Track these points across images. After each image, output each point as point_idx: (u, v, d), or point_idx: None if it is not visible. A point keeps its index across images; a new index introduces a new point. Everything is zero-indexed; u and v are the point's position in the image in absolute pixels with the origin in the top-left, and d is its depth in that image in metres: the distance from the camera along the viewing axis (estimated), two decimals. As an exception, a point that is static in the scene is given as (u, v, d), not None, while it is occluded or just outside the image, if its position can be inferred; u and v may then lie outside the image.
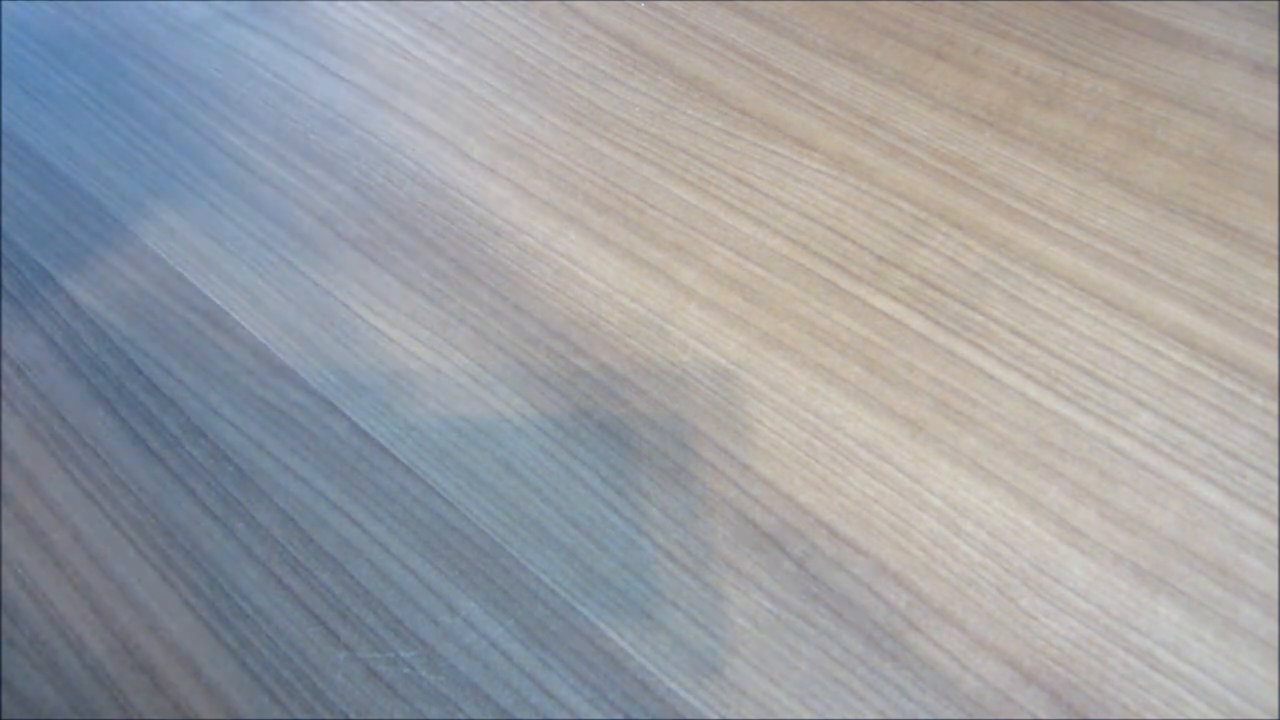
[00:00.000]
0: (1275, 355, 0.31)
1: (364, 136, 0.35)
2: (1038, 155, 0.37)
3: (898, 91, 0.39)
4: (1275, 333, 0.32)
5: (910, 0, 0.43)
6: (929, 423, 0.29)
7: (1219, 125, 0.39)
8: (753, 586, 0.26)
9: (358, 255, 0.32)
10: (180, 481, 0.27)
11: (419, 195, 0.33)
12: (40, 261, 0.31)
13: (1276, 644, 0.25)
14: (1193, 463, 0.29)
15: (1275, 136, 0.39)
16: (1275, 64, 0.42)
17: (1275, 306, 0.32)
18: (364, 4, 0.40)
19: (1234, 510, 0.28)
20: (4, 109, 0.35)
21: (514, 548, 0.26)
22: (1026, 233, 0.33)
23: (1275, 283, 0.33)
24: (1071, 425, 0.29)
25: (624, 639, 0.24)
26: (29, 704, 0.23)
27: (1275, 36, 0.43)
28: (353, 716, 0.23)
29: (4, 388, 0.28)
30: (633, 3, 0.41)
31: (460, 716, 0.23)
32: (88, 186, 0.33)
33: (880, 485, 0.28)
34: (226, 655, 0.24)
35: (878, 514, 0.27)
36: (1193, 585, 0.26)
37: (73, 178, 0.33)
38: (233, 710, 0.23)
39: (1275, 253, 0.34)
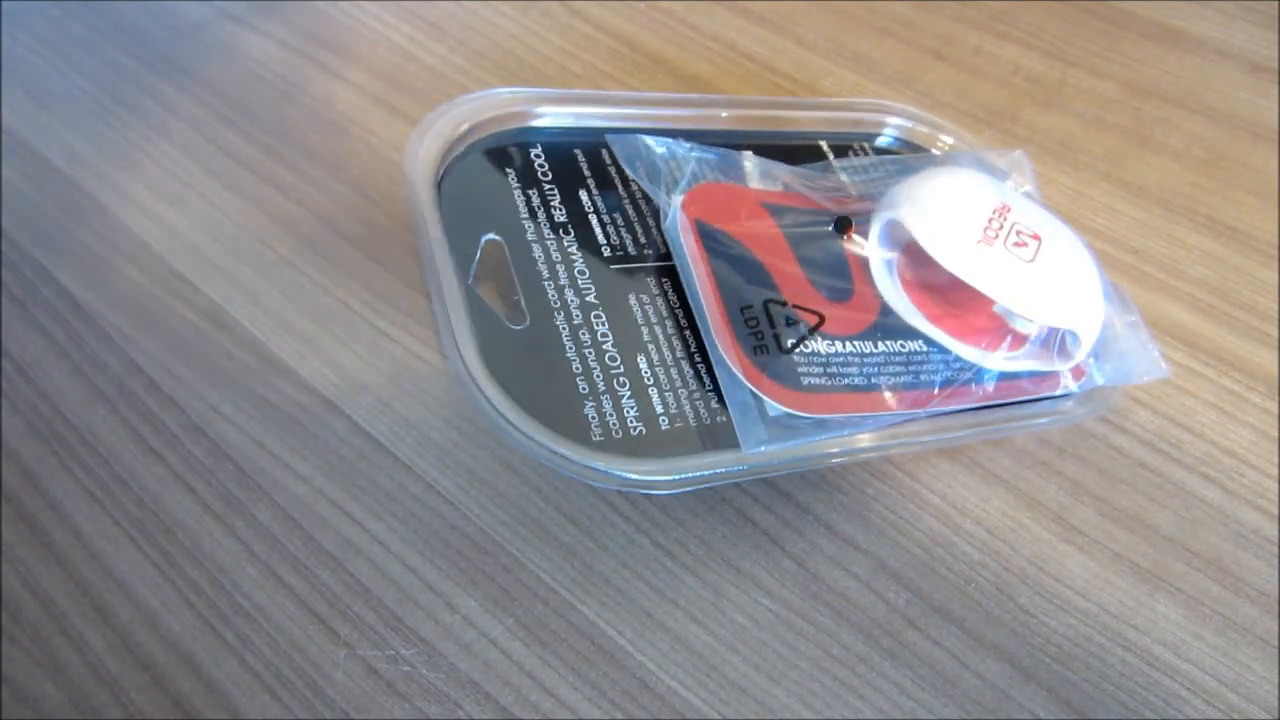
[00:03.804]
0: (1274, 354, 0.31)
1: (364, 136, 0.35)
2: (1036, 155, 0.37)
3: (898, 91, 0.39)
4: (1274, 332, 0.32)
5: (910, 0, 0.43)
6: (928, 421, 0.29)
7: (1217, 125, 0.39)
8: (752, 585, 0.26)
9: (358, 255, 0.32)
10: (181, 480, 0.27)
11: (419, 195, 0.33)
12: (41, 260, 0.31)
13: (1275, 642, 0.25)
14: (1191, 461, 0.29)
15: (1274, 136, 0.39)
16: (1274, 64, 0.42)
17: (1274, 306, 0.33)
18: (364, 4, 0.40)
19: (1232, 508, 0.28)
20: (4, 109, 0.35)
21: (514, 546, 0.26)
22: (1025, 232, 0.33)
23: (1274, 282, 0.33)
24: (1070, 424, 0.29)
25: (623, 637, 0.24)
26: (30, 701, 0.23)
27: (1274, 37, 0.43)
28: (353, 714, 0.23)
29: (5, 387, 0.28)
30: (633, 3, 0.41)
31: (460, 714, 0.23)
32: (89, 186, 0.33)
33: (879, 484, 0.28)
34: (227, 653, 0.24)
35: (877, 512, 0.27)
36: (1191, 584, 0.26)
37: (74, 177, 0.33)
38: (233, 707, 0.23)
39: (1274, 252, 0.34)
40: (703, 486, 0.24)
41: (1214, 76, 0.41)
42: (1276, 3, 0.44)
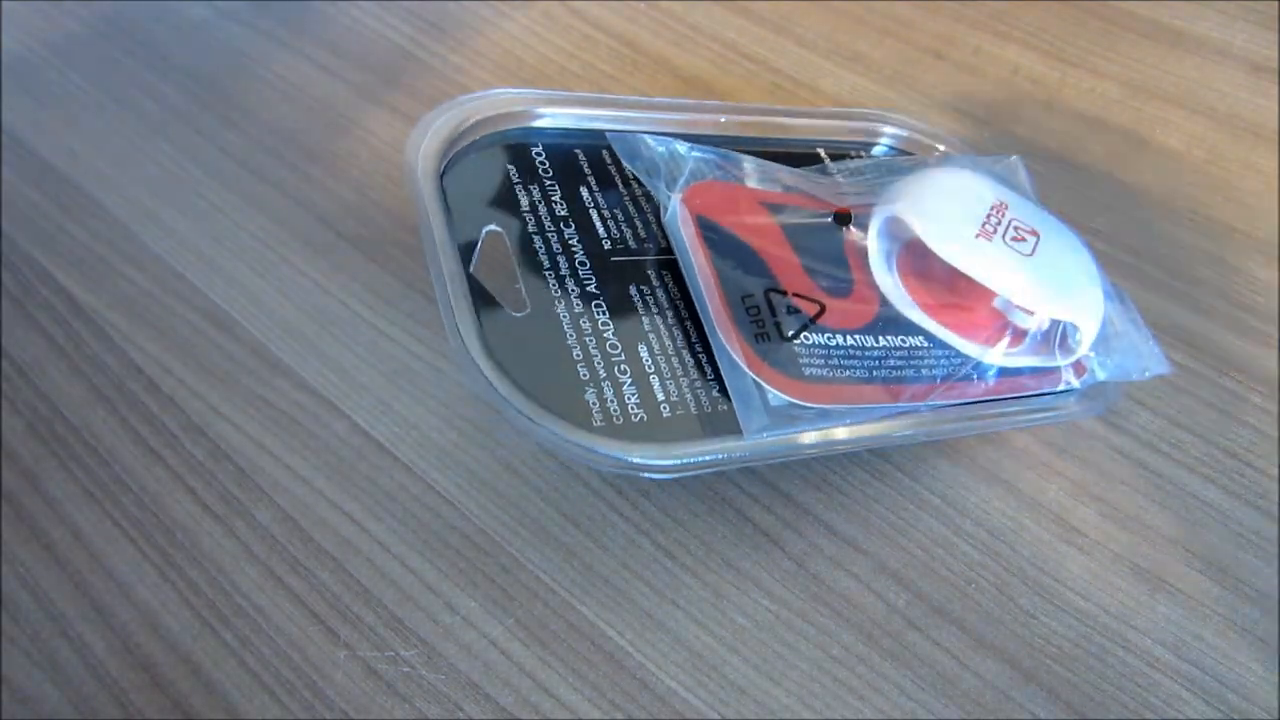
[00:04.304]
0: (1274, 354, 0.31)
1: (364, 136, 0.35)
2: (1036, 155, 0.37)
3: (898, 91, 0.39)
4: (1274, 332, 0.32)
5: (910, 0, 0.43)
6: (928, 422, 0.29)
7: (1218, 125, 0.39)
8: (752, 585, 0.26)
9: (358, 255, 0.32)
10: (180, 480, 0.27)
11: (419, 195, 0.33)
12: (41, 261, 0.31)
13: (1275, 642, 0.25)
14: (1192, 461, 0.29)
15: (1274, 136, 0.39)
16: (1274, 64, 0.42)
17: (1274, 306, 0.33)
18: (364, 4, 0.40)
19: (1233, 509, 0.28)
20: (4, 109, 0.35)
21: (514, 546, 0.26)
22: (1025, 232, 0.33)
23: (1274, 282, 0.33)
24: (1070, 424, 0.29)
25: (624, 637, 0.24)
26: (29, 702, 0.23)
27: (1274, 37, 0.43)
28: (352, 715, 0.23)
29: (4, 387, 0.28)
30: (633, 3, 0.41)
31: (460, 715, 0.23)
32: (88, 186, 0.33)
33: (880, 484, 0.28)
34: (226, 653, 0.24)
35: (877, 512, 0.27)
36: (1191, 584, 0.26)
37: (73, 177, 0.33)
38: (232, 708, 0.23)
39: (1274, 253, 0.34)
40: (704, 471, 0.24)
41: (1214, 76, 0.41)
42: (1276, 3, 0.44)
